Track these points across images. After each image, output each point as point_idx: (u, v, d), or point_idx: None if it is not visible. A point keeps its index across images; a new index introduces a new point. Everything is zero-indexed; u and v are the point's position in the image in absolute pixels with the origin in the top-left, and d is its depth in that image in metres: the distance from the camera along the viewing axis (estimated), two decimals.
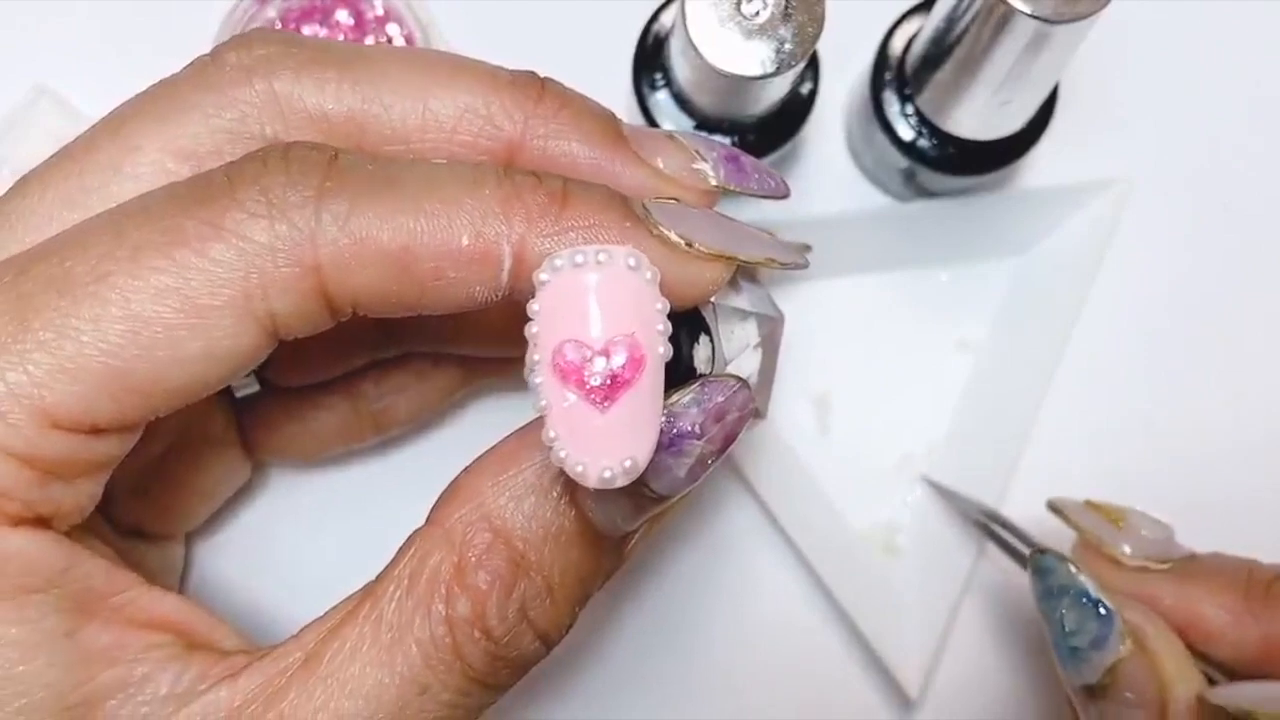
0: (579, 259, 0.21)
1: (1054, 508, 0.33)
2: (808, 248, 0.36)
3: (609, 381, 0.21)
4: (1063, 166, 0.41)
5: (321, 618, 0.23)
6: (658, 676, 0.39)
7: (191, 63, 0.25)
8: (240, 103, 0.24)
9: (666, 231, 0.23)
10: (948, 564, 0.39)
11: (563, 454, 0.21)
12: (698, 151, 0.26)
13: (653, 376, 0.21)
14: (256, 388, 0.33)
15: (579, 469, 0.21)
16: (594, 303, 0.21)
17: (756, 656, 0.39)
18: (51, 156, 0.25)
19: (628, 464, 0.21)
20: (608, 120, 0.26)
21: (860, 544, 0.40)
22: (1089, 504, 0.32)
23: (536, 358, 0.21)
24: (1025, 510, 0.40)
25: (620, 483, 0.21)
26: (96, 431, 0.22)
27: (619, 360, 0.21)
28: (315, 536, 0.39)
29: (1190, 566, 0.30)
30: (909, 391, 0.41)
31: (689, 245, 0.23)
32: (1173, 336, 0.41)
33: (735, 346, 0.26)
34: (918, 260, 0.41)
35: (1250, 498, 0.41)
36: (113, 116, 0.25)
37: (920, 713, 0.39)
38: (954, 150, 0.37)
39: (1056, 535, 0.33)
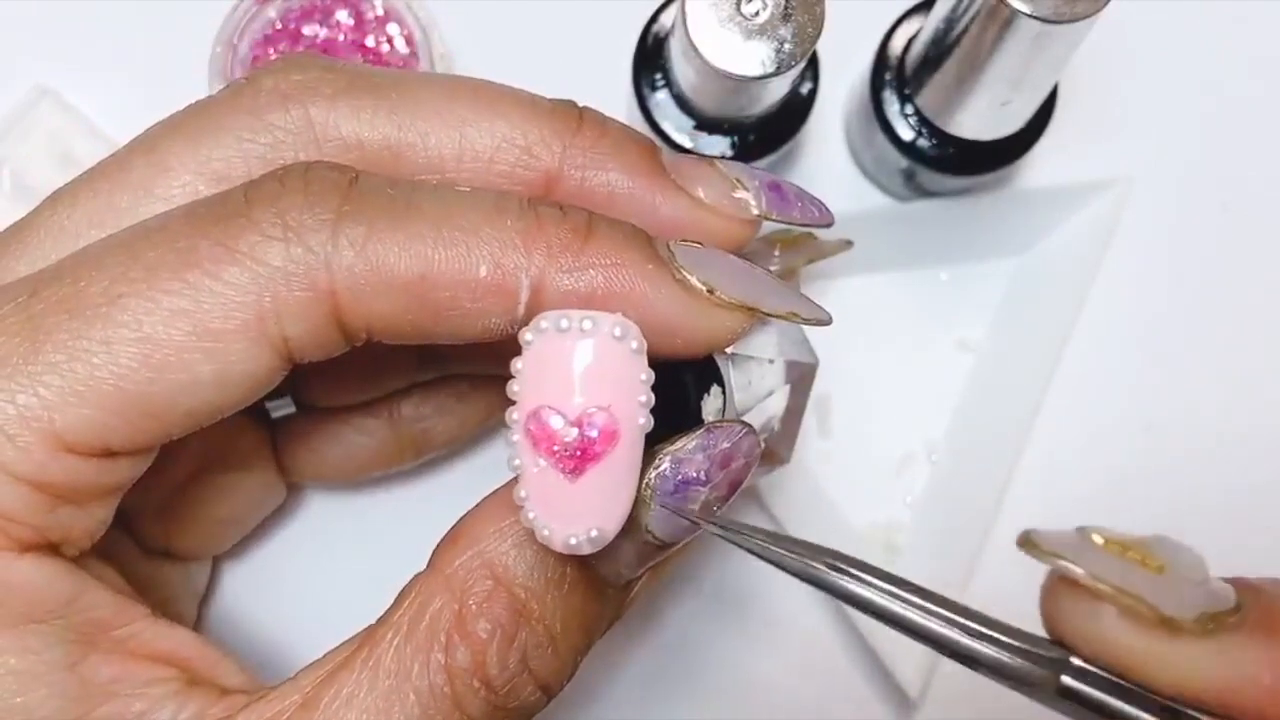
0: (564, 324, 0.21)
1: (1031, 544, 0.21)
2: (849, 243, 0.35)
3: (579, 453, 0.20)
4: (1063, 166, 0.41)
5: (319, 660, 0.23)
6: (656, 675, 0.39)
7: (229, 85, 0.25)
8: (275, 128, 0.24)
9: (689, 276, 0.22)
10: (948, 564, 0.39)
11: (531, 515, 0.21)
12: (739, 180, 0.25)
13: (628, 450, 0.21)
14: (292, 409, 0.33)
15: (545, 533, 0.21)
16: (573, 371, 0.21)
17: (756, 656, 0.39)
18: (84, 173, 0.24)
19: (594, 534, 0.21)
20: (647, 149, 0.25)
21: (860, 544, 0.40)
22: (1092, 536, 0.21)
23: (515, 416, 0.21)
24: (1025, 511, 0.40)
25: (586, 551, 0.21)
26: (108, 455, 0.22)
27: (591, 432, 0.20)
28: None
29: (1270, 609, 0.21)
30: (909, 392, 0.41)
31: (710, 292, 0.22)
32: (1172, 336, 0.41)
33: (757, 393, 0.26)
34: (918, 260, 0.41)
35: (1250, 497, 0.41)
36: (146, 136, 0.24)
37: (920, 713, 0.39)
38: (954, 150, 0.37)
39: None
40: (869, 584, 0.21)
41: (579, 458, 0.20)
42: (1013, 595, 0.40)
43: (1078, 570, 0.20)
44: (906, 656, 0.38)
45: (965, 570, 0.38)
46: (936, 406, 0.41)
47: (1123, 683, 0.20)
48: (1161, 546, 0.21)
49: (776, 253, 0.33)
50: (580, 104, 0.25)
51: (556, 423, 0.20)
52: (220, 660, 0.25)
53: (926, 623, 0.21)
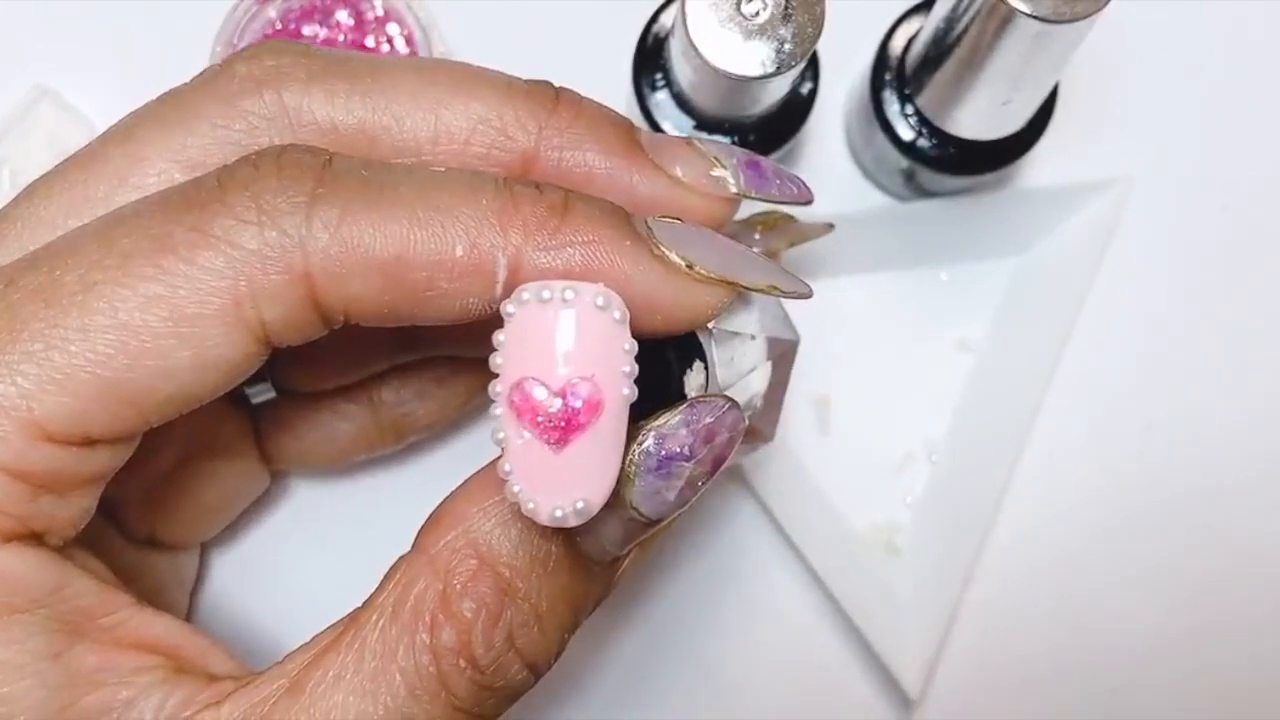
0: (545, 294, 0.20)
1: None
2: (830, 226, 0.35)
3: (563, 423, 0.20)
4: (1063, 166, 0.41)
5: (306, 644, 0.23)
6: (657, 676, 0.39)
7: (201, 72, 0.25)
8: (249, 114, 0.24)
9: (667, 251, 0.22)
10: (948, 564, 0.39)
11: (516, 489, 0.21)
12: (716, 158, 0.25)
13: (613, 420, 0.21)
14: (272, 394, 0.33)
15: (530, 506, 0.21)
16: (556, 341, 0.20)
17: (756, 656, 0.39)
18: (61, 163, 0.24)
19: (580, 505, 0.21)
20: (624, 128, 0.25)
21: (860, 544, 0.40)
22: None
23: (499, 389, 0.21)
24: (1025, 511, 0.40)
25: (572, 523, 0.21)
26: (89, 443, 0.22)
27: (576, 402, 0.20)
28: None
29: None
30: (909, 391, 0.41)
31: (689, 267, 0.22)
32: (1172, 336, 0.41)
33: (739, 369, 0.26)
34: (918, 260, 0.41)
35: (1249, 497, 0.41)
36: (122, 125, 0.24)
37: (920, 713, 0.39)
38: (954, 150, 0.37)
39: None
40: None
41: (564, 428, 0.20)
42: (1013, 595, 0.40)
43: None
44: (906, 656, 0.38)
45: (965, 570, 0.38)
46: (936, 406, 0.41)
47: None
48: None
49: (757, 235, 0.34)
50: (556, 84, 0.25)
51: (540, 394, 0.20)
52: (208, 647, 0.24)
53: None
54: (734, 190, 0.25)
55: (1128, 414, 0.41)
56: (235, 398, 0.32)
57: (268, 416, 0.34)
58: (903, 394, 0.41)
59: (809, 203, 0.27)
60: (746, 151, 0.26)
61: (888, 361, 0.41)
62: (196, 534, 0.34)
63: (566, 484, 0.21)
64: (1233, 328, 0.41)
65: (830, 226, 0.36)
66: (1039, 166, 0.41)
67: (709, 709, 0.39)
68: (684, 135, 0.36)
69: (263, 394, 0.33)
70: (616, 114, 0.26)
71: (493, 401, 0.21)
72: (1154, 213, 0.41)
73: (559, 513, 0.21)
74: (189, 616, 0.35)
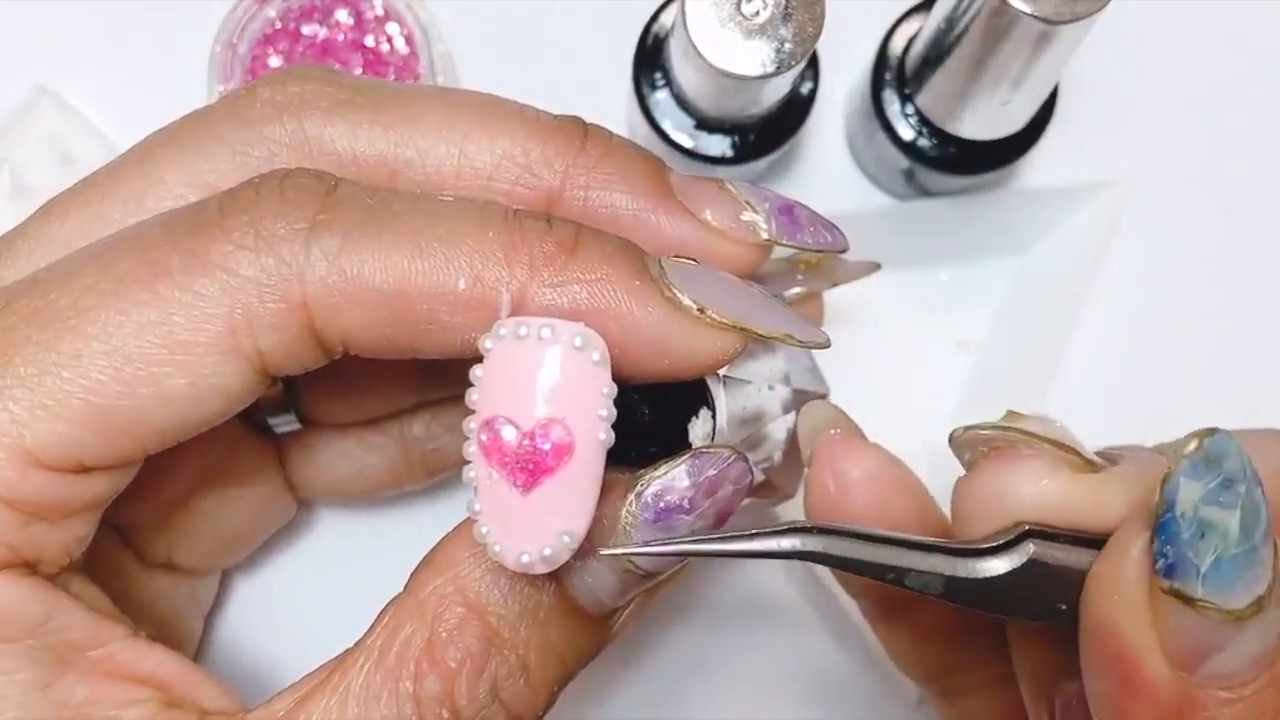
0: (522, 331, 0.20)
1: (969, 430, 0.23)
2: (876, 266, 0.34)
3: (530, 465, 0.20)
4: (1063, 166, 0.41)
5: (296, 684, 0.23)
6: (656, 675, 0.39)
7: (225, 95, 0.25)
8: (269, 141, 0.23)
9: (679, 294, 0.21)
10: None
11: (484, 530, 0.20)
12: (748, 202, 0.25)
13: (584, 465, 0.20)
14: (297, 426, 0.32)
15: (497, 549, 0.20)
16: (529, 381, 0.20)
17: (756, 656, 0.39)
18: (78, 183, 0.24)
19: (546, 552, 0.20)
20: (654, 169, 0.25)
21: None
22: (1012, 411, 0.23)
23: (472, 426, 0.20)
24: None
25: (540, 570, 0.20)
26: (83, 470, 0.21)
27: (544, 445, 0.20)
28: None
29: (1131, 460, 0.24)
30: (909, 392, 0.41)
31: (701, 311, 0.21)
32: (1172, 336, 0.41)
33: (755, 420, 0.25)
34: (918, 260, 0.41)
35: None
36: (141, 146, 0.24)
37: (920, 713, 0.39)
38: (954, 150, 0.37)
39: None
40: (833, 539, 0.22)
41: (530, 471, 0.20)
42: None
43: (1021, 432, 0.22)
44: None
45: None
46: (936, 406, 0.41)
47: (1065, 531, 0.22)
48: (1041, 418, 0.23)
49: (800, 275, 0.33)
50: (586, 120, 0.25)
51: (509, 434, 0.20)
52: (201, 682, 0.24)
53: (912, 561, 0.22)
54: (765, 236, 0.25)
55: (1127, 414, 0.41)
56: (258, 426, 0.32)
57: (295, 446, 0.33)
58: (903, 394, 0.41)
59: (844, 251, 0.26)
60: (781, 196, 0.25)
61: (888, 361, 0.41)
62: (217, 560, 0.33)
63: (534, 529, 0.20)
64: (1233, 327, 0.41)
65: (876, 266, 0.35)
66: (1039, 166, 0.41)
67: (710, 708, 0.39)
68: (685, 135, 0.36)
69: (286, 425, 0.32)
70: (646, 153, 0.25)
71: (467, 439, 0.20)
72: (1154, 213, 0.41)
73: (525, 558, 0.20)
74: (203, 639, 0.35)
